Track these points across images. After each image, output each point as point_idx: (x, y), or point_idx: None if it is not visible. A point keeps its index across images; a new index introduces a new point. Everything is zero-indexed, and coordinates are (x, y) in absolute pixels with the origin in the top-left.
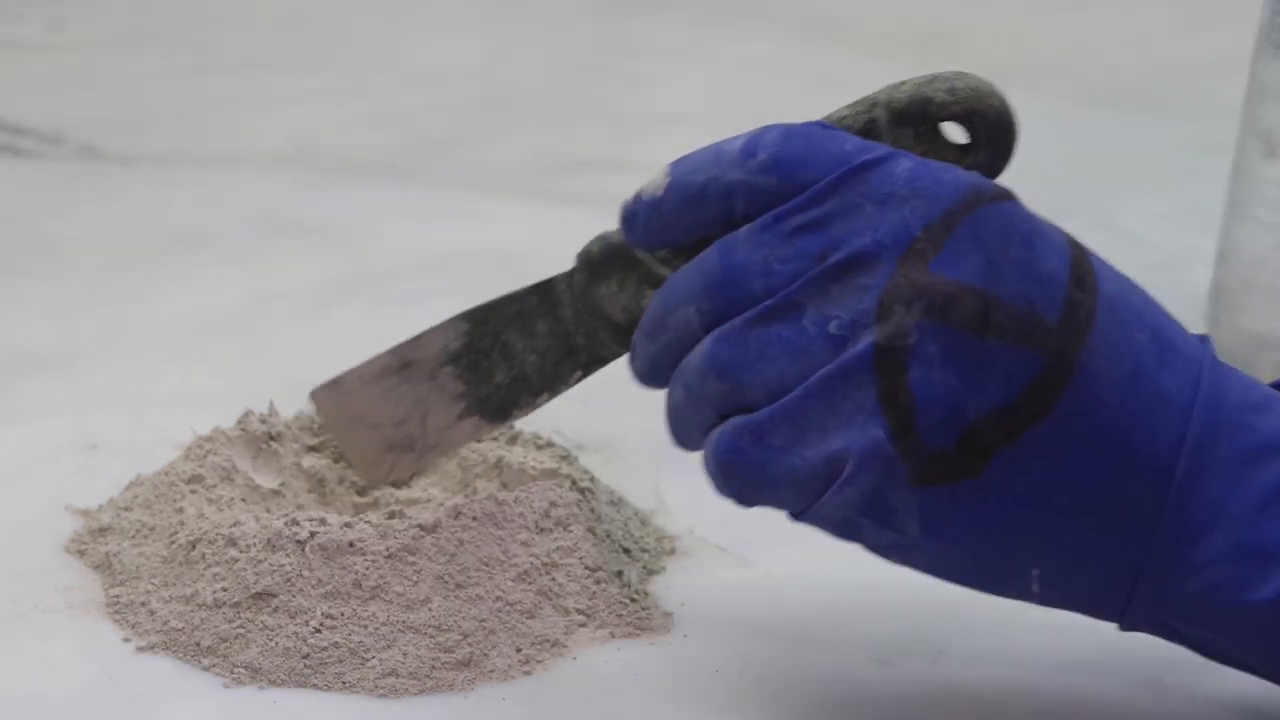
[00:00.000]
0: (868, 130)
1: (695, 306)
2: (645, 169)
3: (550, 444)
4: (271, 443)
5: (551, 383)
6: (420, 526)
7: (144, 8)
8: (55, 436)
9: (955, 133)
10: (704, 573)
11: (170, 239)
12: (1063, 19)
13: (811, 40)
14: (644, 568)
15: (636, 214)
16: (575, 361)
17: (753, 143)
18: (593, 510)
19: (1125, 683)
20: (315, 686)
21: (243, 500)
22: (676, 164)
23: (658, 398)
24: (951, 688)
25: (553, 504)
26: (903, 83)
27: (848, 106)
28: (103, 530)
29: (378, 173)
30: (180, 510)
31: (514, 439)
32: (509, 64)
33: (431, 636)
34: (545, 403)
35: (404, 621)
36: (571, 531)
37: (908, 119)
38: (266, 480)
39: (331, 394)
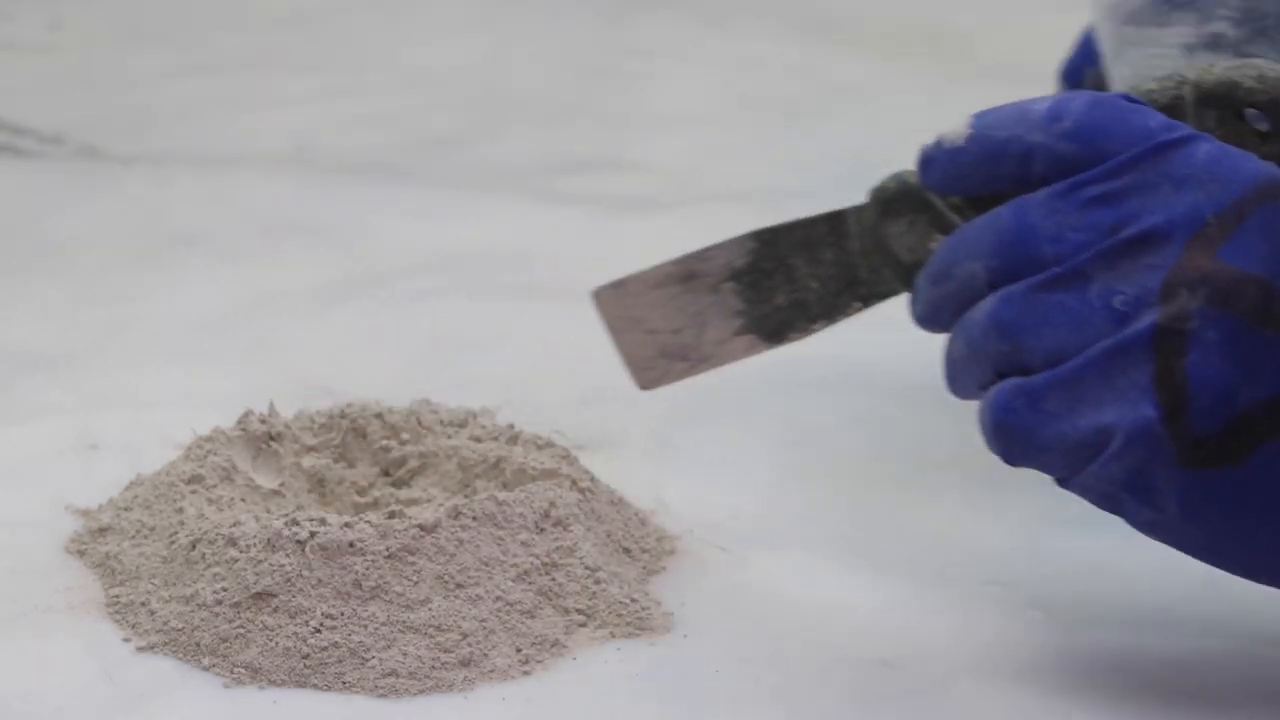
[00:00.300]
0: (1173, 107)
1: (983, 263)
2: (645, 169)
3: (550, 444)
4: (271, 443)
5: (830, 311)
6: (420, 526)
7: (144, 8)
8: (55, 436)
9: (1258, 120)
10: (704, 573)
11: (170, 239)
12: (1063, 19)
13: (811, 40)
14: (644, 568)
15: (935, 159)
16: (856, 293)
17: (1059, 107)
18: (593, 510)
19: (1128, 683)
20: (315, 686)
21: (243, 500)
22: (980, 116)
23: (658, 399)
24: (952, 687)
25: (553, 504)
26: (1213, 64)
27: (1155, 80)
28: (103, 530)
29: (378, 173)
30: (180, 510)
31: (514, 439)
32: (509, 64)
33: (431, 636)
34: (820, 330)
35: (404, 621)
36: (571, 531)
37: (1213, 100)
38: (266, 480)
39: (613, 295)
